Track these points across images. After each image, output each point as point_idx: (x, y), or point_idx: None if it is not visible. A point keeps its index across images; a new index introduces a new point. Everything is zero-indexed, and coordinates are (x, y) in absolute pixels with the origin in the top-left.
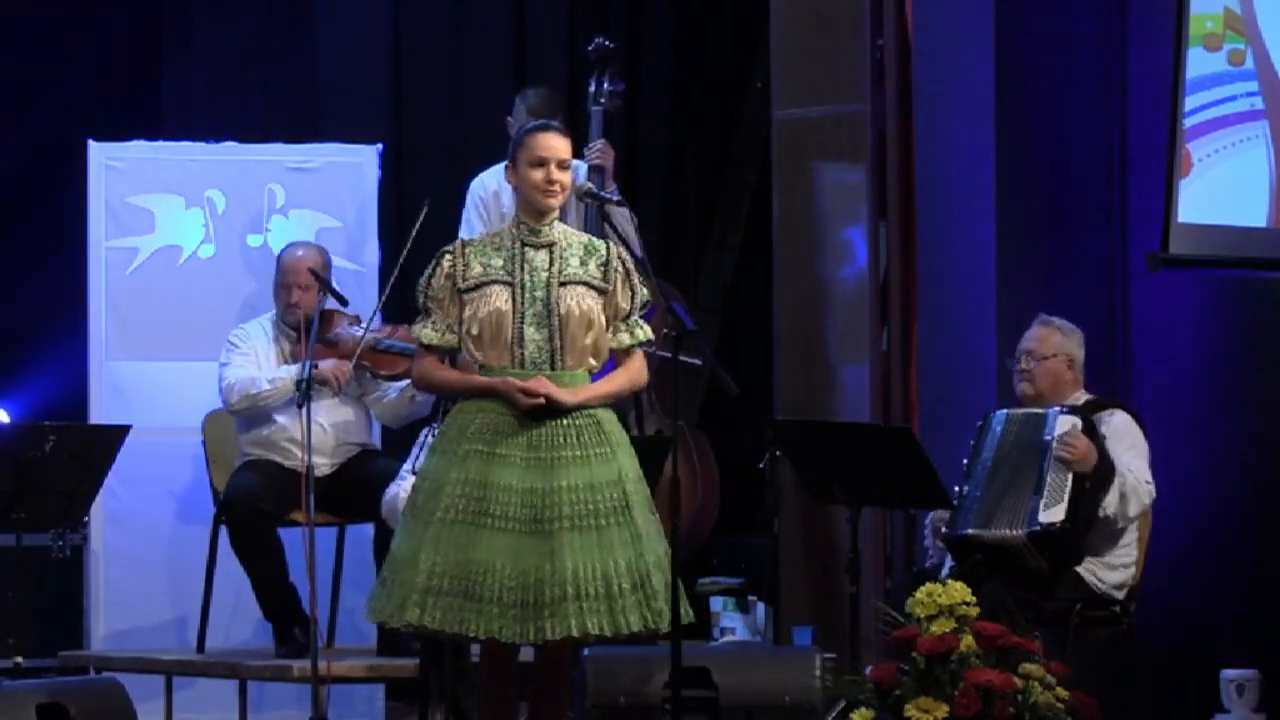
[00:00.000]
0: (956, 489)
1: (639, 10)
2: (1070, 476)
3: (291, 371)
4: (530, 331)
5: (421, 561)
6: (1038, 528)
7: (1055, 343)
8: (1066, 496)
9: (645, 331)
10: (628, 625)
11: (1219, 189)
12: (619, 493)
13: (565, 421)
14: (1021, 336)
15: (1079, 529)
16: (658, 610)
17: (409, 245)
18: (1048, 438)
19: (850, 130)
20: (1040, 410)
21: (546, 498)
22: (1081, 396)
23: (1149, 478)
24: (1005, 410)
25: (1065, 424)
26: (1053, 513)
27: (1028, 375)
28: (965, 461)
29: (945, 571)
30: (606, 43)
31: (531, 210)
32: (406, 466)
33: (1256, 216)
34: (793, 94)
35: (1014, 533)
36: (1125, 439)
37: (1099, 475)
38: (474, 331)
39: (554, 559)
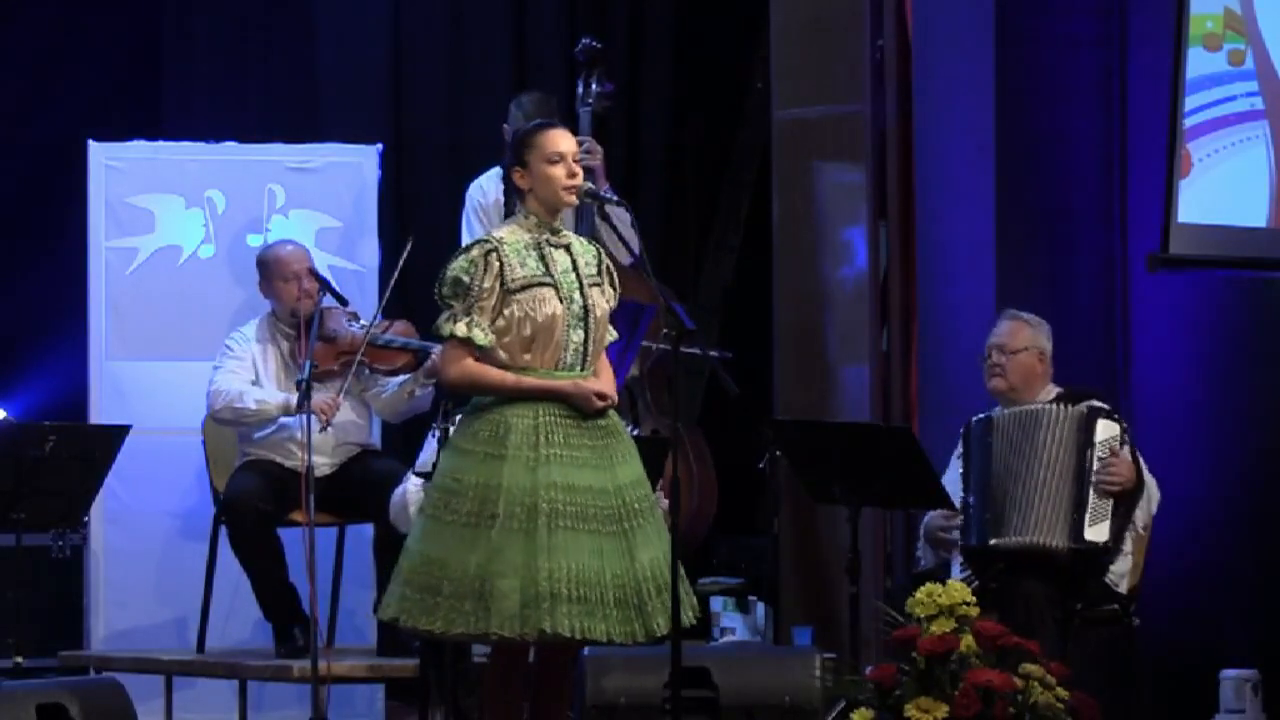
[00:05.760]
0: (961, 497)
1: (639, 11)
2: (1113, 500)
3: (279, 399)
4: (572, 333)
5: (540, 569)
6: (1081, 545)
7: (1026, 336)
8: (1110, 515)
9: (613, 331)
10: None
11: (1219, 189)
12: (646, 489)
13: (605, 421)
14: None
15: (1118, 546)
16: (693, 603)
17: (395, 276)
18: (1089, 443)
19: (850, 130)
20: (1033, 407)
21: (617, 496)
22: (1052, 390)
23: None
24: (990, 414)
25: (1105, 430)
26: (1098, 530)
27: (999, 370)
28: (961, 471)
29: (958, 576)
30: (594, 43)
31: (547, 209)
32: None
33: (1256, 216)
34: (793, 94)
35: (1057, 544)
36: None
37: (1136, 491)
38: (526, 333)
39: (633, 556)
